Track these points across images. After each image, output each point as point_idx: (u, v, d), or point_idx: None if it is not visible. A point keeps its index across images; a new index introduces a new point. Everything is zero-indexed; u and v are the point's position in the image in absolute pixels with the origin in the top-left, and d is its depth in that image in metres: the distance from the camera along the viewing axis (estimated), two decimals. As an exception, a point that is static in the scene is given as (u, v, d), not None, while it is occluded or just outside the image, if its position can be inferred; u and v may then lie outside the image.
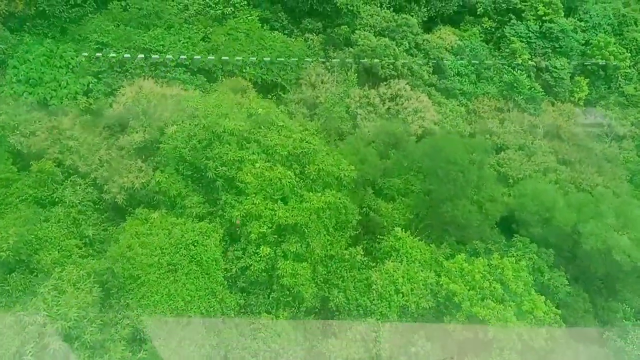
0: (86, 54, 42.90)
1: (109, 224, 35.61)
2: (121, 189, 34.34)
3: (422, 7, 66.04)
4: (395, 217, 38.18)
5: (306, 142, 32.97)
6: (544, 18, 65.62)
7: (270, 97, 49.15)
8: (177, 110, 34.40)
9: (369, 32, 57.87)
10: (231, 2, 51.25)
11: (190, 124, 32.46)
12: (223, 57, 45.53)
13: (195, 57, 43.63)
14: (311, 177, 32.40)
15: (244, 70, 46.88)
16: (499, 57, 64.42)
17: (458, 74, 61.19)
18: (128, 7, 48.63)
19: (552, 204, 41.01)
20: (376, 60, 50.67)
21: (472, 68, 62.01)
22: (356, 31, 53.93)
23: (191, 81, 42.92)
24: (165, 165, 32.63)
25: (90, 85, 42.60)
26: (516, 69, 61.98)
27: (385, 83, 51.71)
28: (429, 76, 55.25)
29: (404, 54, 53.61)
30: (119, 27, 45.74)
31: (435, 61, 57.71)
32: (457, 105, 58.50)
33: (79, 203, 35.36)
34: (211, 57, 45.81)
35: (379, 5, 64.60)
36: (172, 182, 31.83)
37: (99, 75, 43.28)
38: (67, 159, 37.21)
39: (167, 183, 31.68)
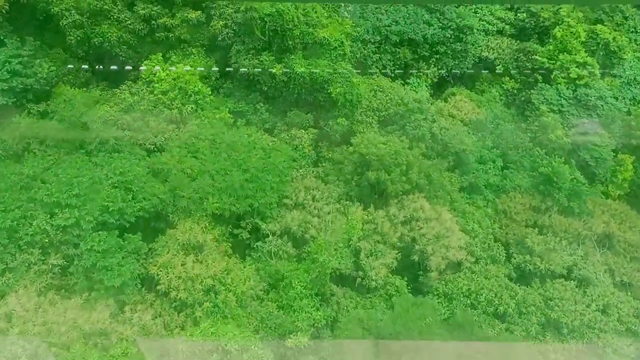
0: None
1: None
2: None
3: (432, 65, 49.81)
4: None
5: None
6: (577, 82, 48.98)
7: (243, 225, 32.60)
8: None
9: (372, 118, 41.20)
10: (192, 99, 34.45)
11: None
12: (177, 193, 28.90)
13: (126, 211, 26.70)
14: None
15: (204, 203, 30.25)
16: (528, 132, 47.96)
17: (481, 160, 44.58)
18: (48, 112, 31.86)
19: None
20: (384, 174, 34.07)
21: (498, 152, 45.47)
22: (356, 134, 37.16)
23: (119, 248, 26.29)
24: None
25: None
26: (553, 155, 45.35)
27: (397, 201, 35.14)
28: (451, 183, 38.52)
29: (420, 156, 36.89)
30: (16, 166, 28.68)
31: (455, 154, 41.09)
32: (484, 205, 41.95)
33: None
34: (157, 185, 29.10)
35: (381, 67, 48.38)
36: None
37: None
38: None
39: None
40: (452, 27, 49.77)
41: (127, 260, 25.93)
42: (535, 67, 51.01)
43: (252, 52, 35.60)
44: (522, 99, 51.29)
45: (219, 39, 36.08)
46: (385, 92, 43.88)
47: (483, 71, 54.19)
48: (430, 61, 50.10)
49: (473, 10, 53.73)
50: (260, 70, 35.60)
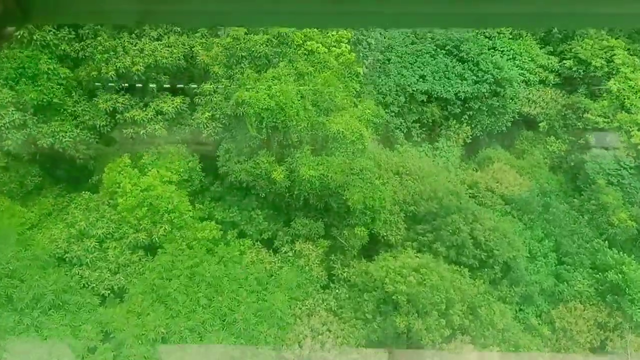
0: None
1: None
2: None
3: (464, 124, 39.31)
4: None
5: None
6: (640, 147, 37.75)
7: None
8: None
9: (399, 216, 30.54)
10: (165, 218, 24.27)
11: None
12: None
13: None
14: None
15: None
16: (583, 212, 37.06)
17: (530, 254, 33.79)
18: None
19: None
20: (416, 320, 23.61)
21: (550, 244, 34.71)
22: (379, 262, 26.50)
23: None
24: None
25: None
26: (615, 242, 34.76)
27: (433, 351, 24.77)
28: (502, 315, 27.73)
29: (462, 283, 26.22)
30: None
31: (504, 263, 30.31)
32: (538, 323, 31.16)
33: None
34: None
35: (405, 130, 38.22)
36: None
37: None
38: None
39: None
40: (488, 81, 39.05)
41: None
42: (587, 126, 39.89)
43: (245, 152, 25.26)
44: (572, 164, 40.33)
45: (204, 134, 25.81)
46: (412, 175, 33.42)
47: (523, 129, 43.56)
48: (462, 119, 39.71)
49: (510, 57, 42.61)
50: (256, 173, 25.30)
